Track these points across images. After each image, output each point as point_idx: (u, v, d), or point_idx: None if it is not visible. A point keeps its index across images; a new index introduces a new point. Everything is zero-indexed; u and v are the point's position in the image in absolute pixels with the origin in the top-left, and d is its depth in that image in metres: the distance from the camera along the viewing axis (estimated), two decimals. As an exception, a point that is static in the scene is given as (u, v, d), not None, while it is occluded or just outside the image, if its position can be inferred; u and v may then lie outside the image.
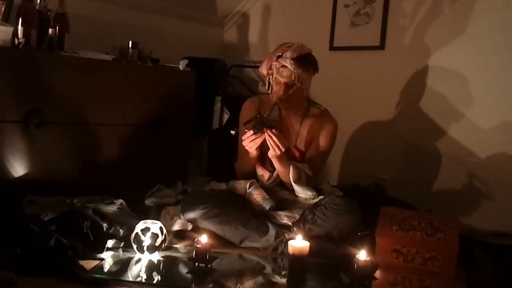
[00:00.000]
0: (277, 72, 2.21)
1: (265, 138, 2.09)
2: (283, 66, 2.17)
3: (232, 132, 2.13)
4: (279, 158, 2.16)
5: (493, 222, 2.52)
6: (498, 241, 2.22)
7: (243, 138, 2.13)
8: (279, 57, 2.19)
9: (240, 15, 3.73)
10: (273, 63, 2.21)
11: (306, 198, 2.24)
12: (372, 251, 1.92)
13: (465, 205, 2.64)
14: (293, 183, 2.19)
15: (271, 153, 2.14)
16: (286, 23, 3.47)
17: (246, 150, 2.16)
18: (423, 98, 2.86)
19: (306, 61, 2.18)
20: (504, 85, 2.58)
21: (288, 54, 2.16)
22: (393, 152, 2.96)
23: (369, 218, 2.12)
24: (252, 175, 2.31)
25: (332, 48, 3.22)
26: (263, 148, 2.16)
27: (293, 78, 2.17)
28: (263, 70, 2.28)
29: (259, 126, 2.08)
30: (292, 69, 2.15)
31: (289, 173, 2.19)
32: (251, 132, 2.08)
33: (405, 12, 2.93)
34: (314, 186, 2.26)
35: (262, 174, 2.29)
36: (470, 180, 2.66)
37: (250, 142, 2.10)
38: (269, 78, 2.27)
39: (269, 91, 2.29)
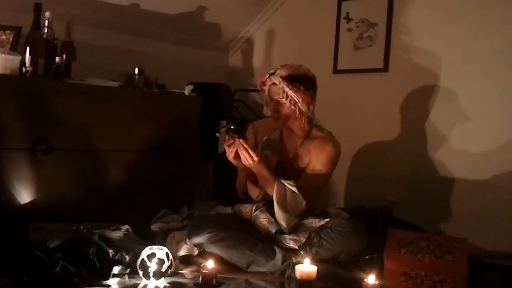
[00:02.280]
0: (268, 90, 2.26)
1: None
2: (274, 83, 2.22)
3: (217, 134, 2.19)
4: (257, 171, 2.17)
5: (504, 244, 2.48)
6: (509, 262, 2.19)
7: (224, 145, 2.17)
8: (271, 74, 2.24)
9: (244, 40, 3.77)
10: (266, 80, 2.26)
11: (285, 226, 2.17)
12: (380, 274, 1.89)
13: (475, 226, 2.60)
14: (275, 202, 2.16)
15: (244, 162, 2.14)
16: (290, 47, 3.51)
17: (239, 166, 2.21)
18: (428, 119, 2.85)
19: (297, 80, 2.19)
20: (511, 104, 2.57)
21: (279, 71, 2.21)
22: (399, 174, 2.95)
23: (376, 240, 2.10)
24: (247, 192, 2.32)
25: (336, 71, 3.24)
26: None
27: (281, 96, 2.20)
28: (259, 86, 2.33)
29: (230, 132, 2.12)
30: (280, 86, 2.19)
31: (273, 189, 2.17)
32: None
33: (408, 33, 2.95)
34: (301, 208, 2.20)
35: (252, 190, 2.29)
36: (479, 200, 2.64)
37: (228, 149, 2.13)
38: (265, 97, 2.31)
39: (266, 109, 2.34)
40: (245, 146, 2.10)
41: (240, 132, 2.17)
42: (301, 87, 2.19)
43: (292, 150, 2.33)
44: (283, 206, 2.16)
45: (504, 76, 2.59)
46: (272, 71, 2.25)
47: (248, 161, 2.12)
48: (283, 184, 2.19)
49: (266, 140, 2.36)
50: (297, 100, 2.20)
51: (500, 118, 2.60)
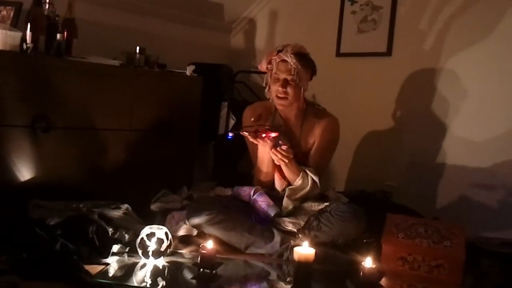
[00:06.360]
0: (276, 67, 2.22)
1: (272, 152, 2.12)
2: (283, 60, 2.19)
3: (229, 135, 2.16)
4: (287, 165, 2.16)
5: (502, 231, 2.49)
6: (506, 249, 2.20)
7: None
8: (279, 51, 2.22)
9: (247, 21, 3.74)
10: (273, 57, 2.23)
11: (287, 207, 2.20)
12: (378, 258, 1.91)
13: (472, 212, 2.62)
14: (288, 189, 2.18)
15: (277, 163, 2.16)
16: (293, 29, 3.47)
17: (259, 157, 2.21)
18: (431, 104, 2.84)
19: (305, 58, 2.21)
20: (512, 92, 2.56)
21: (288, 49, 2.20)
22: (399, 159, 2.95)
23: (375, 225, 2.11)
24: (271, 183, 2.30)
25: (338, 54, 3.22)
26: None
27: (292, 73, 2.18)
28: (263, 65, 2.29)
29: (252, 133, 2.11)
30: (291, 63, 2.17)
31: (295, 178, 2.19)
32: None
33: (412, 18, 2.92)
34: (314, 195, 2.23)
35: (279, 183, 2.28)
36: (477, 187, 2.64)
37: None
38: (267, 77, 2.28)
39: (267, 90, 2.30)
40: (282, 151, 2.10)
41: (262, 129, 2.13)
42: (309, 65, 2.22)
43: (296, 131, 2.33)
44: (291, 195, 2.19)
45: (509, 61, 2.57)
46: (280, 47, 2.22)
47: (282, 161, 2.11)
48: (307, 174, 2.19)
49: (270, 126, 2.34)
50: (305, 78, 2.21)
51: (503, 105, 2.59)
